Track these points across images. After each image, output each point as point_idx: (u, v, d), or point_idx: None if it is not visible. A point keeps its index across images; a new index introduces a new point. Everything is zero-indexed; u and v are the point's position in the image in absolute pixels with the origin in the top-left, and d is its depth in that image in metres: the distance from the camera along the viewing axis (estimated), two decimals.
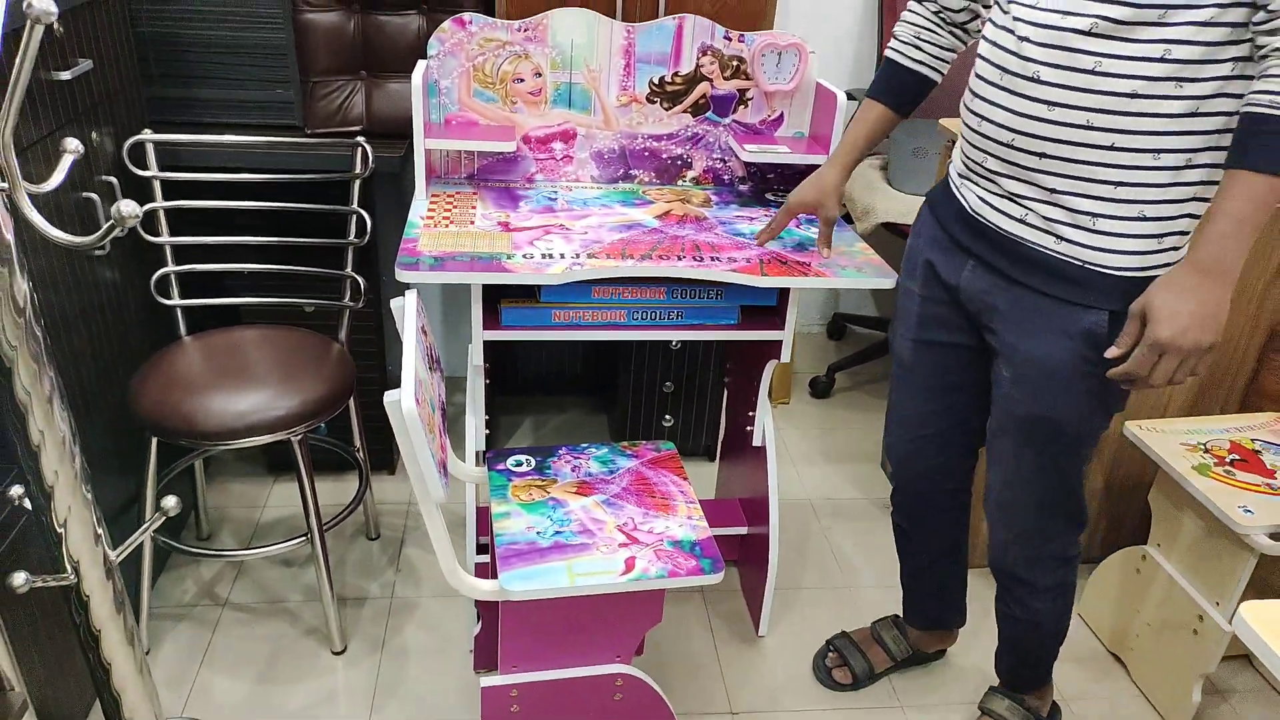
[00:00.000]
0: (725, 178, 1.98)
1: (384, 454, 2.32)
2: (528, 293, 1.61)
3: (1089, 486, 1.80)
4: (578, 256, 1.57)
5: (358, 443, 2.00)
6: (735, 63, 1.87)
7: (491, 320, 1.60)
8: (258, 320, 1.97)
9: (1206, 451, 1.76)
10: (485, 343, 1.61)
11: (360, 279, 1.90)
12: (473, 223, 1.68)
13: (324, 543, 1.76)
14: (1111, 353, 1.22)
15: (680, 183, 1.97)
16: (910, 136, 2.54)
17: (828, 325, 3.29)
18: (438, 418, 1.36)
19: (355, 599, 1.97)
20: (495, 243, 1.60)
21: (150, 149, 1.77)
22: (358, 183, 1.84)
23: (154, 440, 1.69)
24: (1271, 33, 1.06)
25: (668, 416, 2.42)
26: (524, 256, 1.55)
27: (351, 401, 1.90)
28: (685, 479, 1.57)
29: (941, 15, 1.45)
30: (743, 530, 1.99)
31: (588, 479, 1.55)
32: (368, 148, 1.83)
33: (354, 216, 1.86)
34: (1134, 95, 1.14)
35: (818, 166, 1.73)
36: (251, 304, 1.98)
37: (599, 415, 2.69)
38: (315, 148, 1.92)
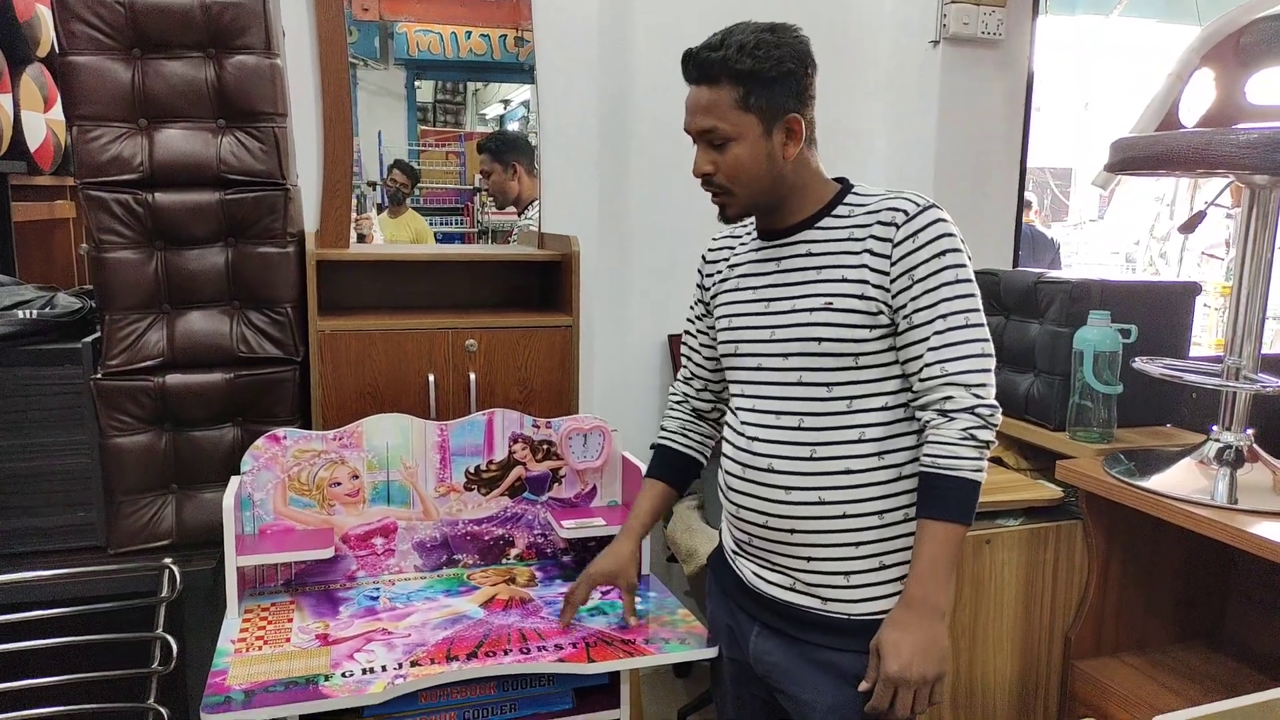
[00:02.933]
0: (548, 551, 2.03)
1: None
2: (351, 710, 1.54)
3: None
4: (400, 667, 1.53)
5: None
6: (546, 446, 2.00)
7: None
8: None
9: None
10: None
11: (165, 711, 1.75)
12: (289, 639, 1.62)
13: None
14: (863, 686, 1.34)
15: (504, 561, 2.00)
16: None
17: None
18: None
19: None
20: (312, 662, 1.54)
21: None
22: (163, 606, 1.76)
23: None
24: (923, 408, 1.33)
25: None
26: (343, 675, 1.50)
27: None
28: None
29: (698, 413, 1.69)
30: None
31: None
32: (175, 570, 1.77)
33: (158, 643, 1.75)
34: (848, 471, 1.36)
35: None
36: None
37: None
38: (117, 571, 1.84)
